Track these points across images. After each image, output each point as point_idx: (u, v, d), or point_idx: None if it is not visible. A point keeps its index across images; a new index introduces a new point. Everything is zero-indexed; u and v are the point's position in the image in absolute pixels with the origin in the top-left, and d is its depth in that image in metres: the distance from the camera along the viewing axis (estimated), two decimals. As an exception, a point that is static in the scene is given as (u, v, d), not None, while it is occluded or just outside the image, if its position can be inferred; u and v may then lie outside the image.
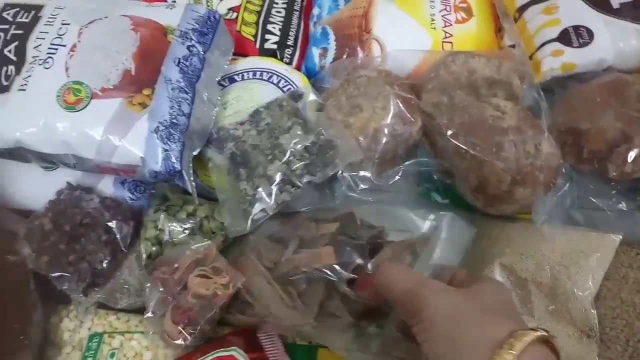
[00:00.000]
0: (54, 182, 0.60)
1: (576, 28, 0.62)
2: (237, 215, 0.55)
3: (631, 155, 0.56)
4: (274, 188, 0.54)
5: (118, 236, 0.55)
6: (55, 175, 0.60)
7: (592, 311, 0.54)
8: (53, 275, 0.53)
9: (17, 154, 0.56)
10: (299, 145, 0.55)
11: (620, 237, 0.57)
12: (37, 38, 0.58)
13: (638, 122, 0.56)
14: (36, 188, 0.60)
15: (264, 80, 0.65)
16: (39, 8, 0.59)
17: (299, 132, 0.56)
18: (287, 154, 0.55)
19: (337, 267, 0.49)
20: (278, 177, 0.54)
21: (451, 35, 0.68)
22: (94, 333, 0.53)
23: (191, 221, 0.56)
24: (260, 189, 0.54)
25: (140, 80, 0.56)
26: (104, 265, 0.54)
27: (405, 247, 0.53)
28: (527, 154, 0.55)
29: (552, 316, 0.53)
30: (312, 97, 0.62)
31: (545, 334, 0.37)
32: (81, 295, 0.53)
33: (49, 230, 0.54)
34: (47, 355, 0.55)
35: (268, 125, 0.58)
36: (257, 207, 0.55)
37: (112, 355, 0.51)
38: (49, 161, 0.57)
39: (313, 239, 0.53)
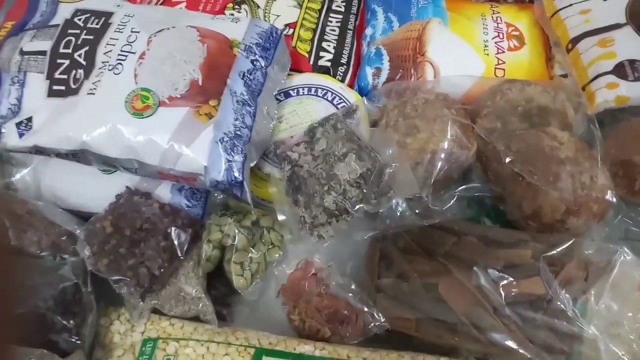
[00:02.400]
0: (110, 186, 0.60)
1: (632, 62, 0.63)
2: (296, 236, 0.57)
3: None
4: (331, 218, 0.56)
5: (176, 243, 0.56)
6: (112, 179, 0.61)
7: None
8: (112, 278, 0.53)
9: (81, 156, 0.57)
10: (354, 174, 0.56)
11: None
12: (108, 44, 0.59)
13: (690, 158, 0.57)
14: (92, 190, 0.61)
15: (319, 96, 0.66)
16: (109, 15, 0.61)
17: (353, 162, 0.57)
18: (342, 184, 0.56)
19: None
20: (334, 208, 0.56)
21: (504, 62, 0.70)
22: (147, 338, 0.54)
23: (254, 230, 0.57)
24: (317, 219, 0.56)
25: (207, 91, 0.57)
26: (162, 271, 0.55)
27: (580, 265, 0.54)
28: (583, 185, 0.55)
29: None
30: (365, 111, 0.63)
31: None
32: (139, 300, 0.54)
33: (110, 234, 0.54)
34: (95, 357, 0.55)
35: (323, 151, 0.59)
36: (315, 235, 0.56)
37: (168, 360, 0.51)
38: (111, 165, 0.58)
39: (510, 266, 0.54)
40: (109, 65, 0.58)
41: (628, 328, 0.54)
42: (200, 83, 0.57)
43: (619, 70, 0.64)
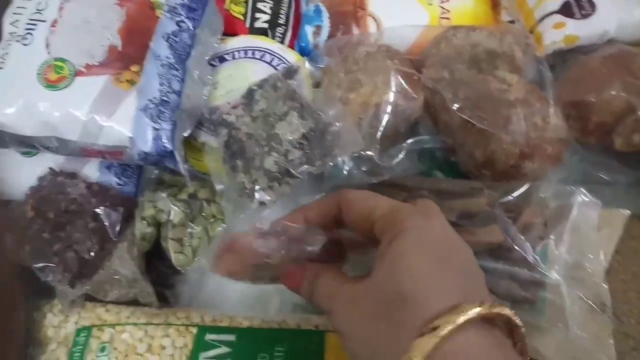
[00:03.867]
0: (34, 170, 0.56)
1: (578, 0, 0.61)
2: (237, 205, 0.53)
3: (637, 125, 0.55)
4: (273, 181, 0.52)
5: (107, 223, 0.52)
6: (34, 162, 0.56)
7: (604, 286, 0.52)
8: (36, 266, 0.49)
9: (-5, 138, 0.52)
10: (297, 134, 0.52)
11: (629, 211, 0.56)
12: (14, 13, 0.54)
13: (644, 93, 0.55)
14: (14, 176, 0.56)
15: (257, 59, 0.62)
16: (14, -18, 0.56)
17: (295, 120, 0.53)
18: (284, 144, 0.52)
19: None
20: (276, 170, 0.51)
21: (448, 11, 0.67)
22: (81, 327, 0.50)
23: (192, 203, 0.53)
24: (258, 183, 0.52)
25: (127, 56, 0.52)
26: (92, 254, 0.50)
27: (538, 210, 0.51)
28: (535, 126, 0.53)
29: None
30: (307, 71, 0.59)
31: (492, 310, 0.30)
32: (67, 286, 0.50)
33: (31, 218, 0.50)
34: (30, 355, 0.51)
35: (262, 111, 0.55)
36: (257, 201, 0.52)
37: (103, 349, 0.47)
38: (29, 145, 0.53)
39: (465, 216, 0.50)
40: (17, 35, 0.52)
41: (590, 270, 0.52)
42: (119, 48, 0.53)
43: (566, 9, 0.61)
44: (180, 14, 0.57)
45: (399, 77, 0.56)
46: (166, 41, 0.54)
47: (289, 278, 0.38)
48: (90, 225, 0.51)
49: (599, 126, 0.57)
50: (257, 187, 0.51)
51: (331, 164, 0.53)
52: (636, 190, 0.57)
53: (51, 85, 0.51)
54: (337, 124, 0.54)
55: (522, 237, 0.50)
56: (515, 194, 0.52)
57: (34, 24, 0.53)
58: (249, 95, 0.56)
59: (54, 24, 0.53)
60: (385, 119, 0.54)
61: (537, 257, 0.49)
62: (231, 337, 0.46)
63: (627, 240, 0.56)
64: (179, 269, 0.52)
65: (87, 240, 0.50)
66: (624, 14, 0.60)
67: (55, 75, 0.51)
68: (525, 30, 0.63)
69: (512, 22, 0.67)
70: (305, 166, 0.52)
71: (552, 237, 0.51)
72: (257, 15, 0.68)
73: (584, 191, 0.52)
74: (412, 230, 0.32)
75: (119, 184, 0.55)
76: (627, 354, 0.51)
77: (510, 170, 0.54)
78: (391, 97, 0.55)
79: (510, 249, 0.49)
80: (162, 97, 0.52)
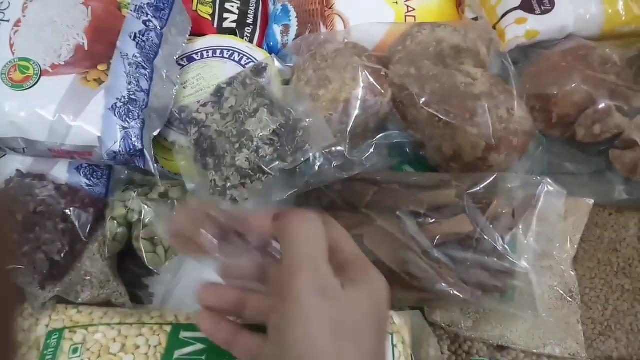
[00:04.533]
0: None
1: (537, -5, 0.62)
2: None
3: (597, 117, 0.57)
4: (245, 178, 0.52)
5: (77, 224, 0.51)
6: (1, 164, 0.55)
7: (572, 273, 0.54)
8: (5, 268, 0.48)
9: (-42, 140, 0.51)
10: (267, 130, 0.53)
11: (593, 200, 0.58)
12: (-24, 14, 0.53)
13: (604, 85, 0.57)
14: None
15: (225, 58, 0.62)
16: (-25, -18, 0.55)
17: (265, 117, 0.53)
18: (255, 141, 0.52)
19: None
20: (247, 167, 0.52)
21: (414, 9, 0.68)
22: (52, 330, 0.49)
23: (163, 202, 0.53)
24: (229, 180, 0.52)
25: (94, 55, 0.52)
26: (62, 255, 0.50)
27: (506, 200, 0.52)
28: (501, 118, 0.54)
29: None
30: (276, 68, 0.59)
31: None
32: (37, 288, 0.49)
33: (-2, 221, 0.49)
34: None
35: (232, 108, 0.55)
36: (228, 198, 0.52)
37: (75, 350, 0.46)
38: (-5, 147, 0.52)
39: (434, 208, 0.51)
40: (-20, 36, 0.52)
41: (557, 259, 0.54)
42: (86, 47, 0.52)
43: (526, 5, 0.63)
44: (147, 14, 0.57)
45: (367, 73, 0.56)
46: (133, 40, 0.54)
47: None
48: (59, 226, 0.50)
49: (561, 118, 0.59)
50: (228, 185, 0.52)
51: (302, 159, 0.53)
52: (598, 179, 0.59)
53: (16, 85, 0.50)
54: (307, 119, 0.54)
55: (491, 227, 0.51)
56: (483, 185, 0.53)
57: (-3, 24, 0.52)
58: (218, 93, 0.57)
59: (17, 23, 0.53)
60: (354, 114, 0.55)
61: (506, 246, 0.50)
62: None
63: (592, 229, 0.57)
64: (152, 268, 0.52)
65: (57, 242, 0.49)
66: (581, 9, 0.61)
67: (20, 75, 0.50)
68: (489, 26, 0.65)
69: (475, 19, 0.68)
70: (277, 162, 0.52)
71: (520, 226, 0.52)
72: (225, 15, 0.68)
73: (550, 181, 0.53)
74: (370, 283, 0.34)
75: (88, 185, 0.55)
76: (594, 340, 0.52)
77: (477, 162, 0.55)
78: (359, 92, 0.55)
79: (480, 239, 0.50)
80: (131, 96, 0.51)
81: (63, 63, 0.51)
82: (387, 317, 0.35)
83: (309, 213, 0.34)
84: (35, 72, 0.50)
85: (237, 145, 0.52)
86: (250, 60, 0.62)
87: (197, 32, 0.66)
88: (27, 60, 0.51)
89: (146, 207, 0.52)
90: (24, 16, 0.53)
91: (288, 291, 0.31)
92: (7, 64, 0.51)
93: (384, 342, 0.35)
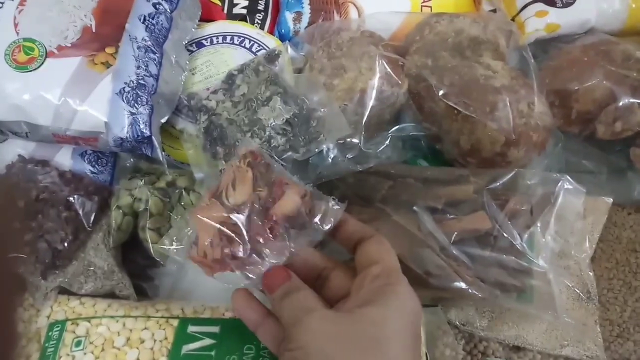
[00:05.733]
0: (1, 157, 0.53)
1: (559, -12, 0.61)
2: None
3: (619, 114, 0.55)
4: None
5: (80, 213, 0.49)
6: (2, 149, 0.53)
7: (590, 273, 0.53)
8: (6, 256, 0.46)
9: (-41, 123, 0.49)
10: (280, 119, 0.51)
11: (612, 199, 0.56)
12: (-22, -9, 0.51)
13: (626, 81, 0.55)
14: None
15: (236, 44, 0.60)
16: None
17: (278, 105, 0.51)
18: (267, 130, 0.50)
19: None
20: None
21: (429, 0, 0.66)
22: (54, 321, 0.47)
23: (171, 191, 0.51)
24: None
25: (102, 37, 0.50)
26: (66, 244, 0.48)
27: (525, 197, 0.50)
28: (521, 113, 0.52)
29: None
30: (288, 56, 0.57)
31: None
32: (39, 278, 0.47)
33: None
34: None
35: (244, 96, 0.53)
36: None
37: (79, 343, 0.44)
38: (-3, 130, 0.50)
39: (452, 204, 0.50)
40: (-18, 15, 0.50)
41: (575, 258, 0.52)
42: (94, 29, 0.50)
43: (547, -2, 0.61)
44: (157, -4, 0.54)
45: (384, 62, 0.54)
46: (143, 23, 0.52)
47: (271, 276, 0.38)
48: (63, 214, 0.48)
49: (581, 114, 0.57)
50: None
51: (316, 150, 0.51)
52: (617, 178, 0.58)
53: (20, 66, 0.48)
54: (321, 109, 0.52)
55: (510, 224, 0.49)
56: (502, 181, 0.51)
57: (1, 3, 0.50)
58: (230, 80, 0.55)
59: (22, 2, 0.51)
60: (370, 104, 0.53)
61: (524, 244, 0.49)
62: (215, 329, 0.44)
63: (610, 228, 0.56)
64: (158, 260, 0.50)
65: (60, 230, 0.48)
66: (604, 3, 0.60)
67: (25, 57, 0.48)
68: (507, 18, 0.63)
69: (493, 11, 0.67)
70: (289, 153, 0.51)
71: (538, 224, 0.51)
72: (236, 1, 0.66)
73: (569, 179, 0.52)
74: (399, 298, 0.35)
75: (92, 172, 0.53)
76: (612, 342, 0.51)
77: (495, 157, 0.54)
78: (376, 82, 0.54)
79: (498, 236, 0.49)
80: (139, 81, 0.49)
81: (69, 45, 0.49)
82: (419, 334, 0.36)
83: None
84: (41, 54, 0.48)
85: (249, 134, 0.50)
86: (261, 47, 0.60)
87: (207, 17, 0.64)
88: (32, 40, 0.49)
89: (153, 196, 0.50)
90: (29, -5, 0.51)
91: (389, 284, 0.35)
92: (11, 44, 0.48)
93: (417, 356, 0.35)
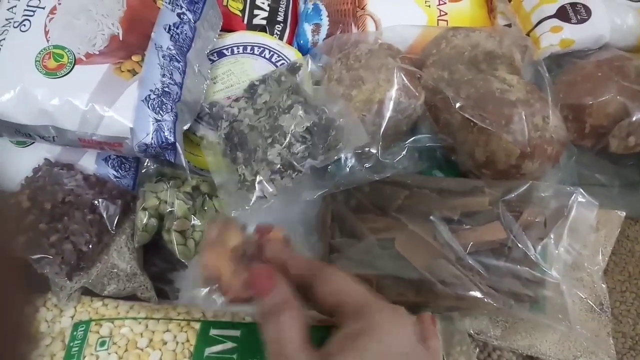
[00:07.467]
0: (27, 161, 0.54)
1: (573, 5, 0.62)
2: (236, 199, 0.51)
3: (632, 128, 0.56)
4: (275, 174, 0.51)
5: (104, 215, 0.50)
6: (29, 152, 0.55)
7: (603, 285, 0.53)
8: (33, 257, 0.47)
9: (-11, 126, 0.50)
10: (301, 127, 0.52)
11: (624, 213, 0.57)
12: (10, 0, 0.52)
13: (639, 96, 0.56)
14: (8, 167, 0.55)
15: (256, 55, 0.61)
16: (11, -32, 0.54)
17: (300, 113, 0.52)
18: (288, 137, 0.51)
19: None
20: (278, 162, 0.51)
21: (446, 14, 0.67)
22: (78, 322, 0.48)
23: (195, 196, 0.52)
24: (260, 175, 0.51)
25: (129, 45, 0.51)
26: (90, 246, 0.49)
27: (539, 209, 0.51)
28: (536, 126, 0.53)
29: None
30: (309, 69, 0.58)
31: None
32: (65, 279, 0.48)
33: (27, 208, 0.48)
34: (20, 351, 0.49)
35: (266, 103, 0.54)
36: (257, 193, 0.51)
37: (103, 343, 0.45)
38: (25, 134, 0.51)
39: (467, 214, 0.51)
40: (14, 22, 0.51)
41: (589, 271, 0.53)
42: (121, 38, 0.52)
43: (562, 14, 0.62)
44: (182, 6, 0.56)
45: (402, 75, 0.56)
46: (167, 32, 0.53)
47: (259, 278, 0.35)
48: (88, 217, 0.49)
49: (594, 129, 0.58)
50: (258, 179, 0.51)
51: (335, 157, 0.52)
52: (630, 192, 0.59)
53: (50, 73, 0.49)
54: (340, 119, 0.53)
55: (524, 235, 0.50)
56: (517, 192, 0.52)
57: (32, 11, 0.52)
58: (252, 90, 0.56)
59: (52, 11, 0.52)
60: (387, 115, 0.54)
61: (538, 255, 0.50)
62: (236, 333, 0.45)
63: (623, 241, 0.57)
64: (183, 259, 0.51)
65: (85, 232, 0.49)
66: (618, 19, 0.61)
67: (55, 63, 0.50)
68: (522, 33, 0.64)
69: (508, 26, 0.68)
70: (308, 159, 0.52)
71: (551, 236, 0.51)
72: (256, 12, 0.68)
73: (582, 192, 0.53)
74: (379, 330, 0.33)
75: (116, 177, 0.54)
76: (624, 354, 0.51)
77: (509, 169, 0.55)
78: (394, 94, 0.55)
79: (512, 247, 0.50)
80: (164, 88, 0.51)
81: (97, 52, 0.51)
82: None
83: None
84: (70, 60, 0.50)
85: (269, 140, 0.51)
86: (281, 57, 0.61)
87: (227, 27, 0.65)
88: (62, 48, 0.50)
89: (179, 199, 0.51)
90: (59, 4, 0.52)
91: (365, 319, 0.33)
92: (42, 50, 0.50)
93: None
